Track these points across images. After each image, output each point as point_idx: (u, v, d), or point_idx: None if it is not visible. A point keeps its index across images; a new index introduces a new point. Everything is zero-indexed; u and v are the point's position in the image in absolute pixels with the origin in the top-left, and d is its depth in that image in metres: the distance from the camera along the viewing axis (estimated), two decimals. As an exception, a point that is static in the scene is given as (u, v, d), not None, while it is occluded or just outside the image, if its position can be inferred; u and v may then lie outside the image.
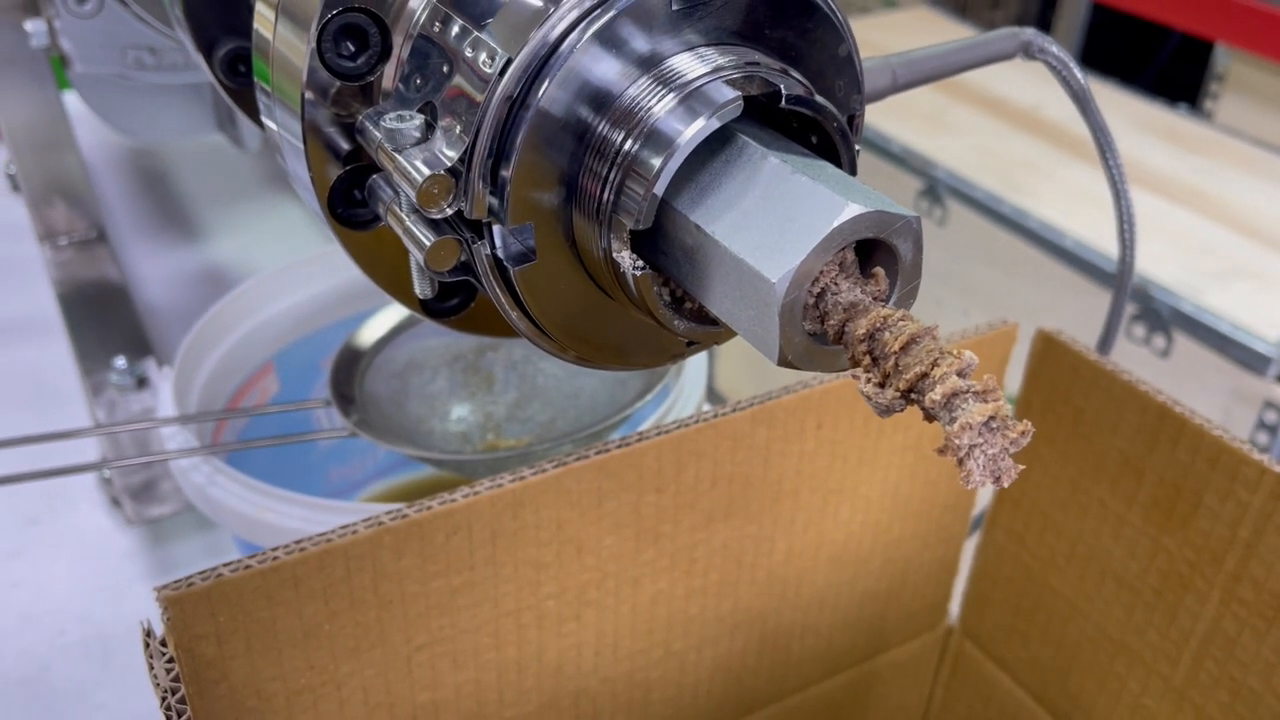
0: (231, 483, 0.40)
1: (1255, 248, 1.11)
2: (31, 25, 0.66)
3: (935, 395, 0.20)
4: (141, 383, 0.62)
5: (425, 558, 0.35)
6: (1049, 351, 0.44)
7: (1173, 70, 1.84)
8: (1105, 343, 0.45)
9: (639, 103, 0.25)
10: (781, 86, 0.25)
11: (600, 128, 0.25)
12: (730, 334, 0.28)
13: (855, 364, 0.22)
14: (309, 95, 0.29)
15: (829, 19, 0.27)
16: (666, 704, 0.45)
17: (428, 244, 0.26)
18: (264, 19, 0.30)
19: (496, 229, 0.26)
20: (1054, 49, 0.37)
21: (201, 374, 0.48)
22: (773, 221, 0.23)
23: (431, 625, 0.36)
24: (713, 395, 1.22)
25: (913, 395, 0.21)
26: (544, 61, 0.25)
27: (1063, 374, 0.44)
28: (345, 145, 0.30)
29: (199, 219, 0.91)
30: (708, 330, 0.28)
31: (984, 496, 0.52)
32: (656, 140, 0.25)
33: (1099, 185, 1.15)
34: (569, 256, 0.27)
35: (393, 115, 0.27)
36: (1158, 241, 1.10)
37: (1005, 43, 0.36)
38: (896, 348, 0.21)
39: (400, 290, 0.33)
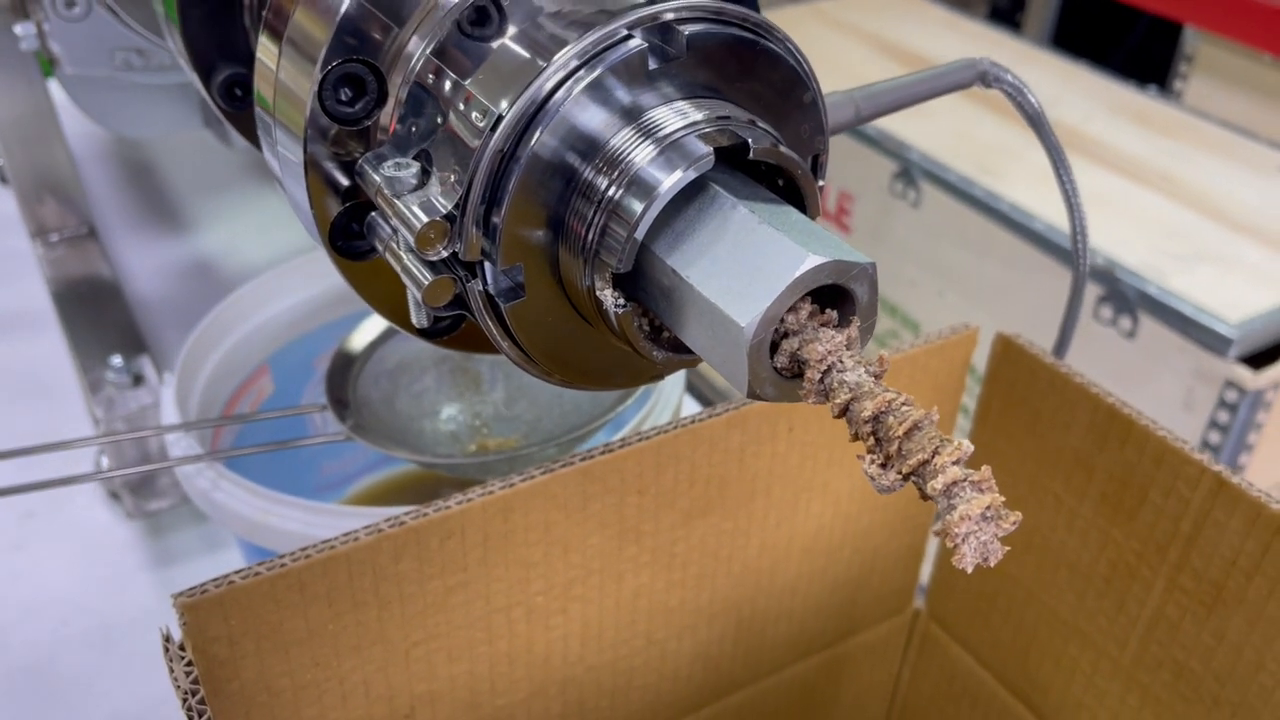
0: (235, 487, 0.42)
1: (1219, 231, 1.14)
2: (21, 28, 0.67)
3: (937, 484, 0.22)
4: (138, 380, 0.63)
5: (422, 561, 0.37)
6: (1007, 354, 0.47)
7: (1143, 51, 1.86)
8: (1060, 347, 0.47)
9: (620, 152, 0.27)
10: (750, 140, 0.27)
11: (585, 174, 0.28)
12: (701, 360, 0.30)
13: (856, 439, 0.24)
14: (311, 137, 0.31)
15: (794, 70, 0.30)
16: (648, 690, 0.47)
17: (425, 283, 0.29)
18: (266, 65, 0.32)
19: (489, 268, 0.28)
20: (1008, 77, 0.39)
21: (201, 378, 0.50)
22: (741, 269, 0.26)
23: (428, 622, 0.39)
24: (692, 387, 1.25)
25: (913, 479, 0.23)
26: (532, 117, 0.27)
27: (1020, 375, 0.46)
28: (344, 182, 0.32)
29: (184, 211, 0.93)
30: (683, 358, 0.30)
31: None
32: (637, 188, 0.27)
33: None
34: (555, 290, 0.30)
35: (390, 163, 0.29)
36: (1125, 224, 1.12)
37: (963, 73, 0.38)
38: (900, 433, 0.23)
39: (396, 315, 0.35)
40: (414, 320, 0.32)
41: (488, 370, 0.54)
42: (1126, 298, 1.07)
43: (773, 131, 0.29)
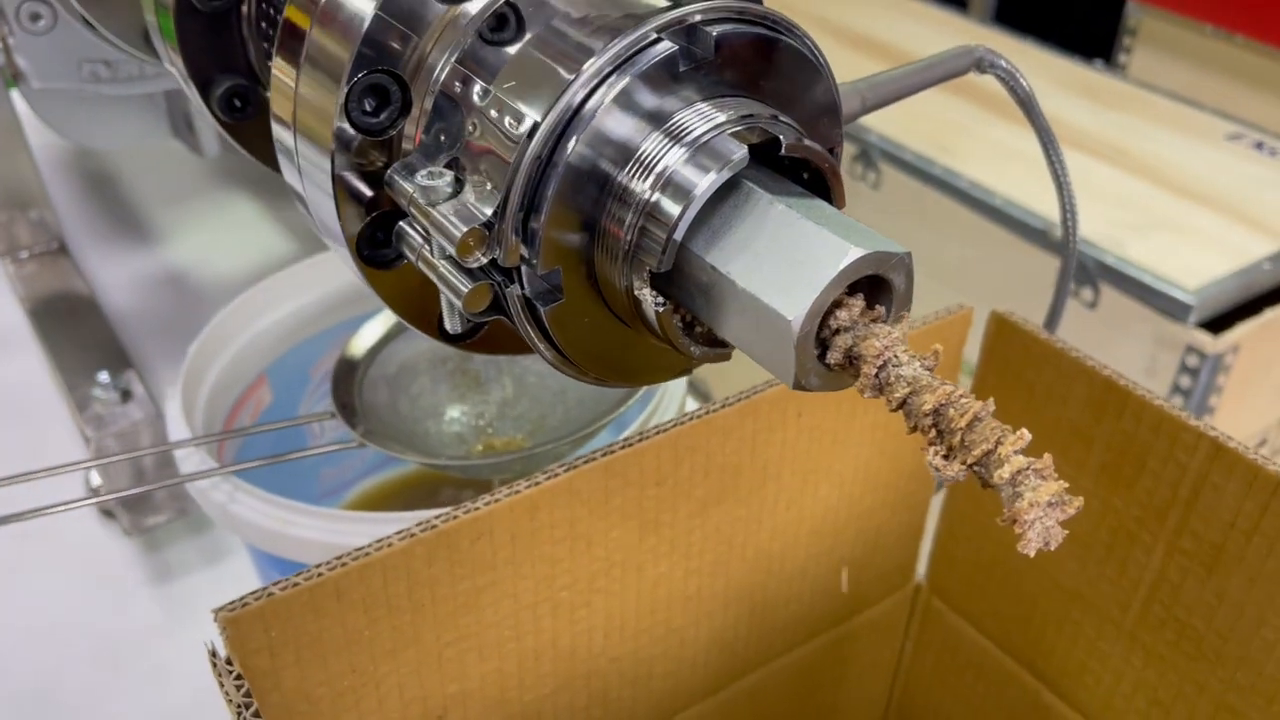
0: (253, 499, 0.42)
1: (1172, 200, 1.17)
2: (-15, 45, 0.66)
3: (1003, 473, 0.23)
4: (126, 395, 0.63)
5: (453, 563, 0.38)
6: (1002, 332, 0.48)
7: (1086, 26, 1.90)
8: (1051, 321, 0.49)
9: (655, 155, 0.28)
10: (781, 137, 0.28)
11: (621, 178, 0.28)
12: (731, 354, 0.31)
13: (915, 431, 0.25)
14: (336, 150, 0.31)
15: (813, 65, 0.30)
16: (667, 677, 0.48)
17: (465, 290, 0.29)
18: (283, 81, 0.32)
19: (527, 273, 0.29)
20: (1001, 63, 0.40)
21: (203, 392, 0.50)
22: (784, 263, 0.26)
23: (459, 623, 0.39)
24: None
25: (976, 468, 0.24)
26: (567, 124, 0.27)
27: (1015, 352, 0.48)
28: (367, 192, 0.32)
29: (152, 222, 0.92)
30: (717, 352, 0.31)
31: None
32: (674, 190, 0.27)
33: (1024, 143, 1.19)
34: (589, 290, 0.30)
35: (424, 173, 0.29)
36: (1082, 196, 1.14)
37: (960, 60, 0.39)
38: (962, 425, 0.24)
39: (422, 321, 0.35)
40: (448, 326, 0.32)
41: (487, 370, 0.54)
42: (1087, 269, 1.09)
43: (796, 126, 0.30)
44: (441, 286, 0.30)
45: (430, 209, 0.29)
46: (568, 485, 0.39)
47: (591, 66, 0.27)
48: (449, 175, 0.29)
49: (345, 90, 0.30)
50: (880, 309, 0.26)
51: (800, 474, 0.47)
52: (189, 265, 0.86)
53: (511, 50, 0.30)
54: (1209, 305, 1.04)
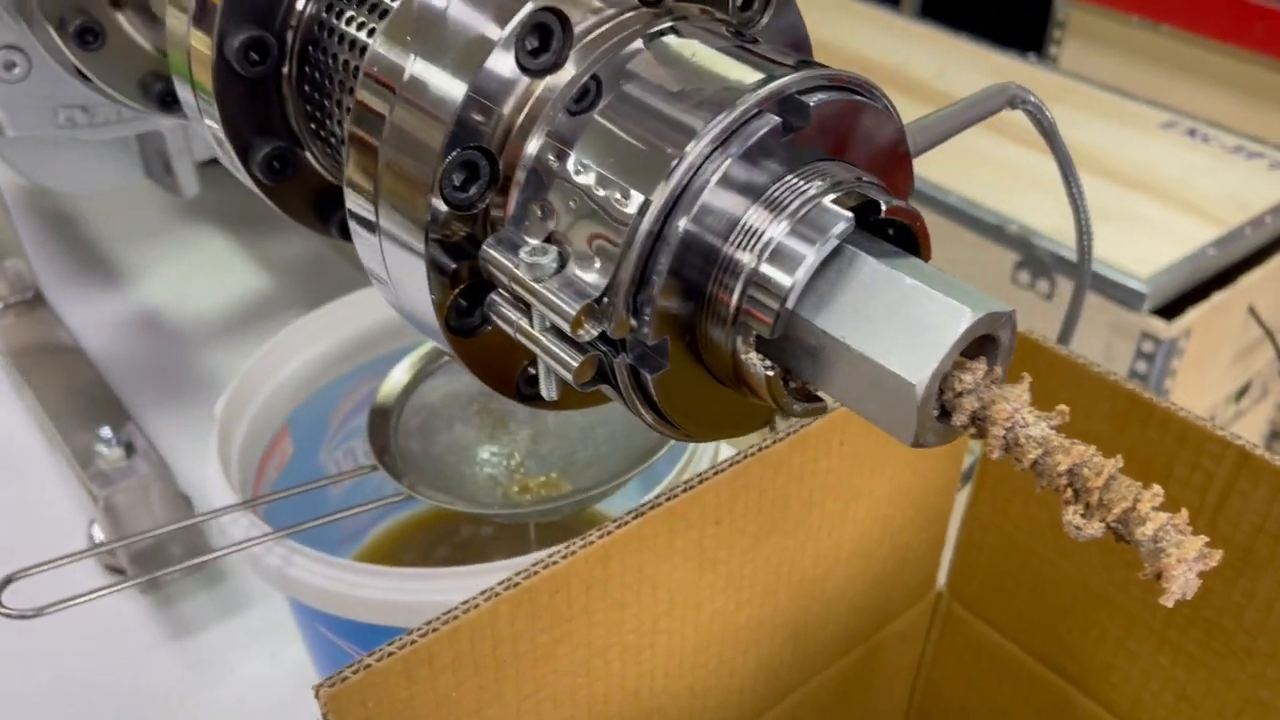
0: (313, 562, 0.42)
1: (1115, 189, 1.20)
2: (-42, 96, 0.64)
3: (1145, 531, 0.24)
4: (129, 449, 0.62)
5: (534, 618, 0.38)
6: (1021, 348, 0.50)
7: (1015, 19, 1.94)
8: (1065, 336, 0.51)
9: (761, 226, 0.28)
10: (881, 201, 0.29)
11: (726, 249, 0.29)
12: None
13: (1052, 490, 0.26)
14: (430, 228, 0.31)
15: (893, 124, 0.31)
16: (719, 707, 0.49)
17: (575, 364, 0.29)
18: (363, 158, 0.32)
19: (633, 343, 0.29)
20: (1031, 98, 0.41)
21: (234, 449, 0.49)
22: (900, 328, 0.27)
23: (537, 675, 0.40)
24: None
25: (1115, 525, 0.25)
26: (677, 199, 0.28)
27: (1036, 369, 0.49)
28: (450, 265, 0.33)
29: (119, 262, 0.90)
30: (815, 406, 0.31)
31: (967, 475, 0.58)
32: (783, 260, 0.28)
33: (984, 144, 1.22)
34: (688, 355, 0.31)
35: (527, 249, 0.30)
36: (1032, 191, 1.18)
37: (996, 98, 0.40)
38: (1099, 484, 0.25)
39: (500, 383, 0.35)
40: (545, 393, 0.33)
41: (509, 408, 0.54)
42: (1043, 262, 1.12)
43: (880, 183, 0.31)
44: (546, 358, 0.30)
45: (537, 285, 0.29)
46: (637, 532, 0.40)
47: (698, 145, 0.28)
48: (553, 251, 0.29)
49: (440, 170, 0.30)
50: (997, 369, 0.27)
51: (842, 500, 0.48)
52: (164, 305, 0.85)
53: (598, 119, 0.30)
54: (1161, 292, 1.08)
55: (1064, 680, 0.55)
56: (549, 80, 0.31)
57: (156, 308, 0.84)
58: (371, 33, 0.37)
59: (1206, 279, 1.11)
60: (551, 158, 0.30)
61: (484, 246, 0.31)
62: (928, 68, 1.40)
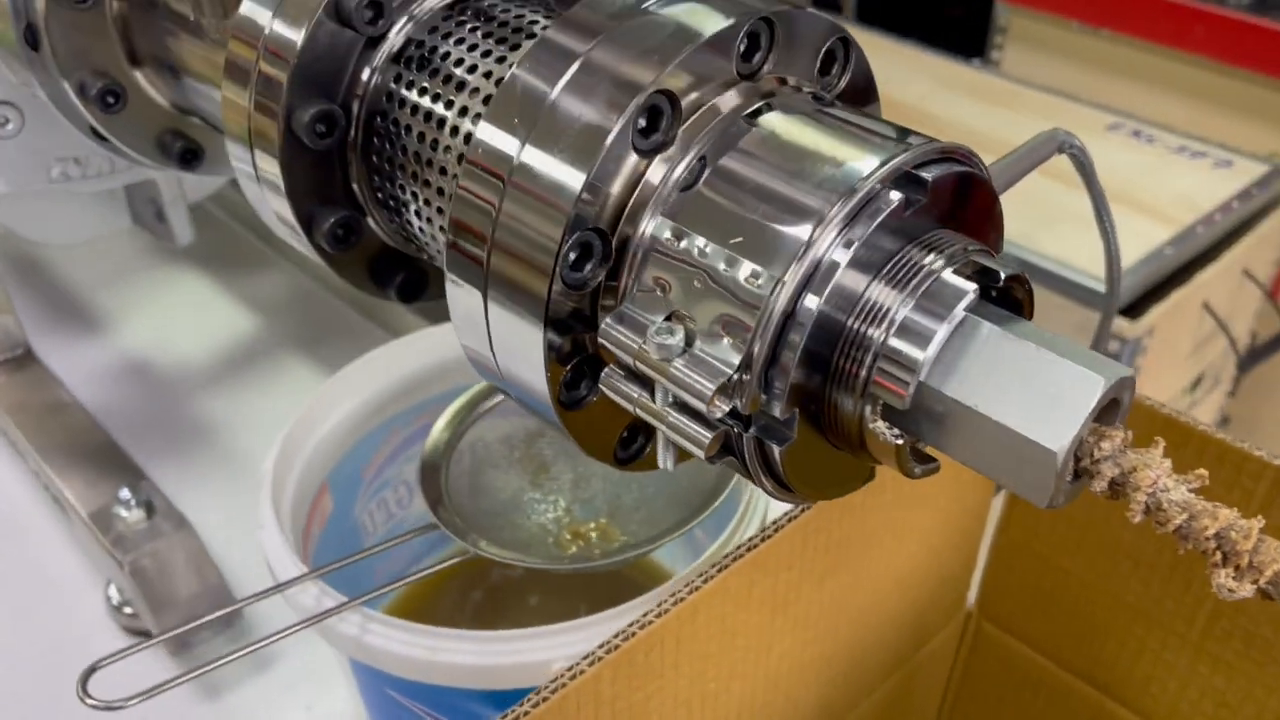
0: (390, 629, 0.42)
1: (1069, 191, 1.23)
2: (-51, 155, 0.62)
3: None
4: (150, 510, 0.61)
5: (631, 678, 0.38)
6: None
7: (953, 24, 1.98)
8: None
9: (888, 300, 0.29)
10: (1002, 272, 0.30)
11: (854, 324, 0.29)
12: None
13: (1200, 553, 0.27)
14: (549, 311, 0.31)
15: (990, 190, 0.32)
16: (783, 741, 0.50)
17: (706, 440, 0.30)
18: (470, 247, 0.32)
19: (761, 416, 0.30)
20: (1076, 142, 0.43)
21: (285, 511, 0.48)
22: (1034, 395, 0.28)
23: (630, 732, 0.40)
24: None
25: (1267, 586, 0.26)
26: (809, 278, 0.29)
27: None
28: (559, 341, 0.33)
29: (95, 308, 0.88)
30: (932, 468, 0.32)
31: (997, 501, 0.59)
32: (912, 333, 0.29)
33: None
34: (808, 424, 0.31)
35: (655, 329, 0.30)
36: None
37: (1047, 145, 0.42)
38: (1248, 546, 0.26)
39: (601, 451, 0.36)
40: (664, 464, 0.33)
41: (551, 454, 0.54)
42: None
43: (987, 248, 0.32)
44: (671, 434, 0.31)
45: (666, 365, 0.30)
46: (721, 585, 0.40)
47: (827, 228, 0.28)
48: (680, 331, 0.30)
49: (561, 255, 0.30)
50: (1129, 434, 0.28)
51: (895, 534, 0.49)
52: (150, 352, 0.83)
53: (715, 197, 0.31)
54: (1124, 293, 1.11)
55: (1099, 692, 0.56)
56: (658, 158, 0.31)
57: (142, 355, 0.82)
58: (445, 102, 0.37)
59: (1164, 278, 1.15)
60: (669, 236, 0.31)
61: (604, 326, 0.31)
62: (875, 74, 1.42)
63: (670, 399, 0.31)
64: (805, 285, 0.29)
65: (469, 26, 0.38)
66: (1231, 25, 1.38)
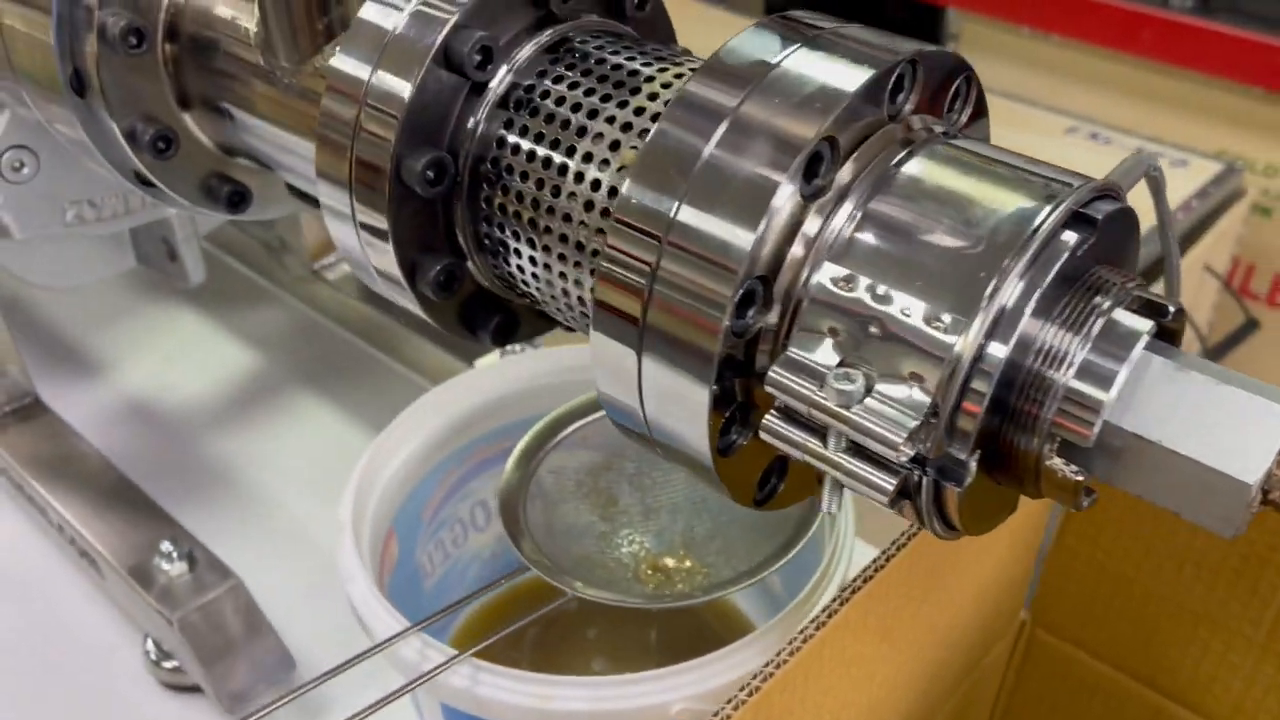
0: (503, 679, 0.41)
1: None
2: (-38, 204, 0.60)
3: None
4: (193, 562, 0.59)
5: (768, 718, 0.38)
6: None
7: (905, 31, 2.01)
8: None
9: (1065, 344, 0.30)
10: (1170, 307, 0.30)
11: (1034, 364, 0.30)
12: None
13: None
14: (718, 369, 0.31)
15: (1136, 224, 0.33)
16: (875, 764, 0.50)
17: (890, 486, 0.30)
18: (625, 307, 0.32)
19: (941, 459, 0.30)
20: (1158, 165, 0.44)
21: (366, 561, 0.47)
22: (1221, 429, 0.29)
23: (762, 771, 0.40)
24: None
25: None
26: (995, 324, 0.29)
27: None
28: (717, 390, 0.33)
29: (91, 351, 0.85)
30: (1095, 498, 0.33)
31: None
32: (1092, 375, 0.29)
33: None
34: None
35: (834, 375, 0.30)
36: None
37: (1137, 169, 0.42)
38: None
39: (744, 495, 0.36)
40: (828, 509, 0.33)
41: (617, 486, 0.54)
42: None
43: (1142, 281, 0.32)
44: (845, 479, 0.31)
45: (846, 411, 0.30)
46: (844, 620, 0.40)
47: (1009, 277, 0.29)
48: (859, 378, 0.30)
49: (733, 310, 0.30)
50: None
51: (978, 553, 0.50)
52: (153, 394, 0.81)
53: (884, 245, 0.31)
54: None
55: (1158, 694, 0.58)
56: (819, 203, 0.31)
57: (148, 398, 0.80)
58: (566, 148, 0.37)
59: (1134, 276, 1.18)
60: (837, 282, 0.31)
61: (772, 373, 0.31)
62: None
63: (844, 444, 0.31)
64: (991, 332, 0.29)
65: (579, 69, 0.38)
66: (1176, 28, 1.42)
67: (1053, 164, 0.33)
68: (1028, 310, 0.29)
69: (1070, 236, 0.29)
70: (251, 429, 0.78)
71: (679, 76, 0.37)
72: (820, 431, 0.31)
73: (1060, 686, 0.61)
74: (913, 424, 0.29)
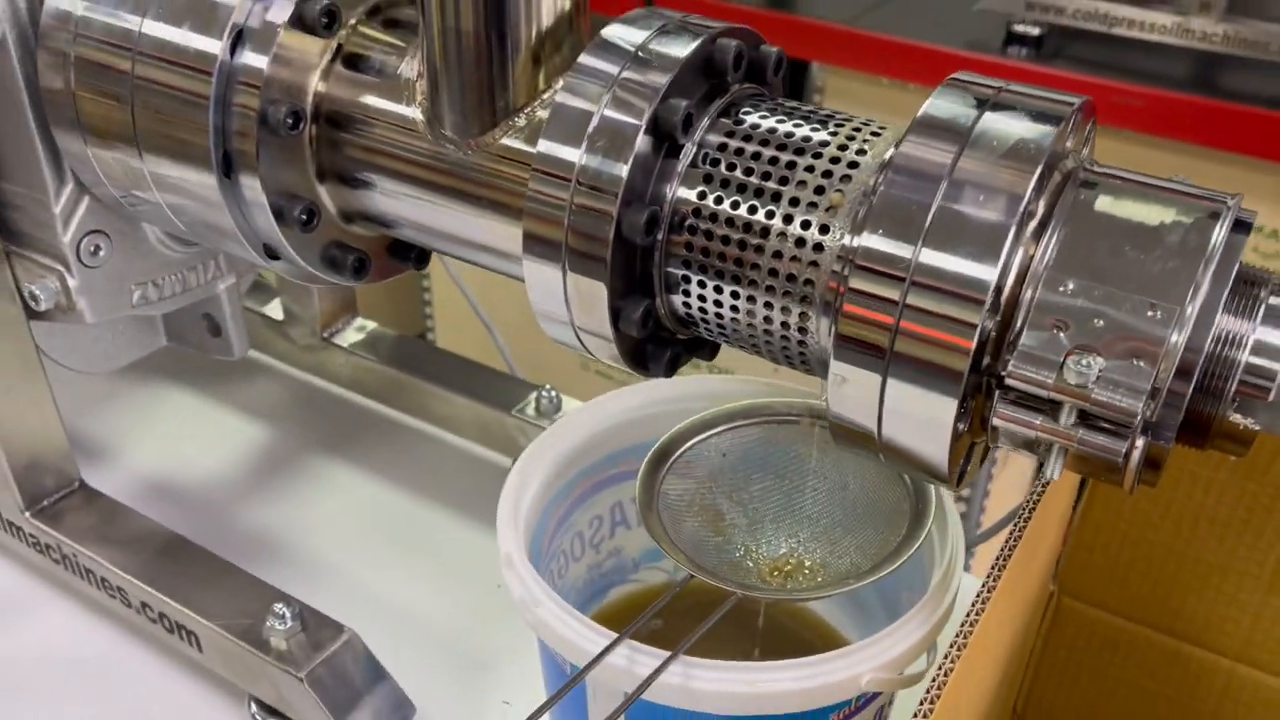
0: (710, 671, 0.46)
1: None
2: (40, 289, 0.60)
3: None
4: (304, 620, 0.61)
5: (961, 689, 0.44)
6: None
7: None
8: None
9: (1240, 327, 0.38)
10: (1296, 283, 0.39)
11: (1217, 348, 0.38)
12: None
13: None
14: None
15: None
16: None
17: (1122, 449, 0.37)
18: (868, 328, 0.39)
19: (1157, 424, 0.38)
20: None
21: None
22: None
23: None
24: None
25: None
26: (1200, 318, 0.37)
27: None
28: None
29: (93, 436, 0.84)
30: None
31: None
32: (1267, 349, 0.38)
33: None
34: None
35: (1073, 360, 0.37)
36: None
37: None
38: None
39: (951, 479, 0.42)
40: (1050, 474, 0.40)
41: (718, 502, 0.60)
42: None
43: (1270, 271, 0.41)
44: (1082, 449, 0.38)
45: (1085, 390, 0.37)
46: (992, 606, 0.47)
47: (1204, 278, 0.37)
48: (1095, 362, 0.37)
49: (976, 337, 0.37)
50: None
51: (1039, 527, 0.57)
52: (171, 472, 0.81)
53: (1085, 254, 0.38)
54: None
55: (1175, 639, 0.67)
56: (1030, 230, 0.39)
57: (163, 477, 0.80)
58: (771, 194, 0.43)
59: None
60: (1062, 289, 0.38)
61: (1013, 365, 0.38)
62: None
63: (1073, 419, 0.38)
64: (1197, 325, 0.37)
65: (765, 128, 0.44)
66: (1020, 76, 1.59)
67: (1186, 183, 0.41)
68: (1220, 307, 0.37)
69: (1238, 238, 0.38)
70: (283, 499, 0.79)
71: (857, 130, 0.44)
72: (1052, 410, 0.38)
73: (1085, 646, 0.70)
74: (1144, 397, 0.36)
